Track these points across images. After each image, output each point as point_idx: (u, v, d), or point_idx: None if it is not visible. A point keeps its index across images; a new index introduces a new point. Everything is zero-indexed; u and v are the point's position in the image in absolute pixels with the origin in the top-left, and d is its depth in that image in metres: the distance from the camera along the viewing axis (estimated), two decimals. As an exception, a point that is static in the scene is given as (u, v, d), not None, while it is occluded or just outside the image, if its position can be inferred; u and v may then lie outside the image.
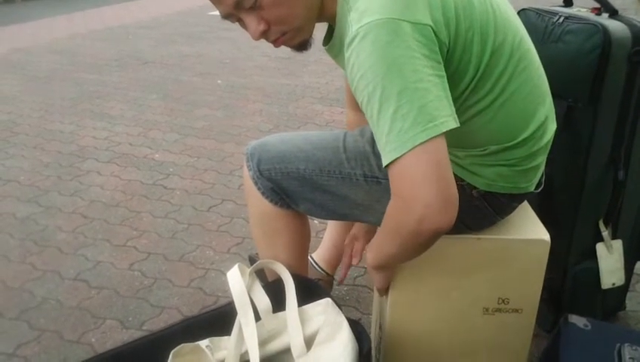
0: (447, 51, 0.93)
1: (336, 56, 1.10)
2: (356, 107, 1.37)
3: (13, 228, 2.16)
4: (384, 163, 0.89)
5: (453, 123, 0.88)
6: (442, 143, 0.88)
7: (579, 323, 1.07)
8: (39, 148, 2.93)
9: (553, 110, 1.15)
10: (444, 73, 0.91)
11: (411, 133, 0.85)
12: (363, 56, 0.88)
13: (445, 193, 0.88)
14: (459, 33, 0.94)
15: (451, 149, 1.07)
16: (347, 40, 0.91)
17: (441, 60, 0.91)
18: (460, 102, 0.99)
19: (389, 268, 1.15)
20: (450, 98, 0.90)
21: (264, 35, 1.00)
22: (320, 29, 1.09)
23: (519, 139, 1.05)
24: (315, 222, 2.11)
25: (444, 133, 0.87)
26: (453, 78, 0.96)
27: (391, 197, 0.93)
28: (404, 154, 0.86)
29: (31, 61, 4.76)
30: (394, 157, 0.87)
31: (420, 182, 0.87)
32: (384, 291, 1.23)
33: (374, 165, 1.14)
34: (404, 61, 0.86)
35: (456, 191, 0.89)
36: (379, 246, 1.06)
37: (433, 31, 0.90)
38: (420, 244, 0.94)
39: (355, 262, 1.36)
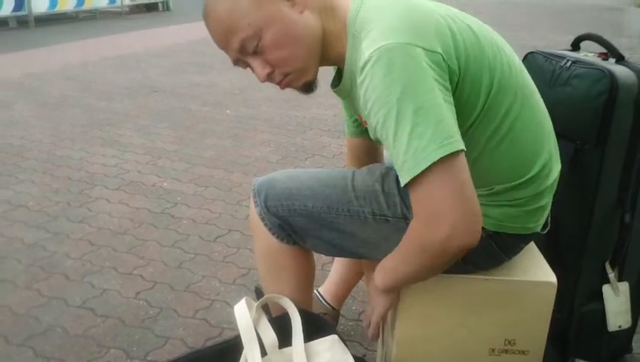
0: (458, 80, 0.97)
1: (346, 97, 1.12)
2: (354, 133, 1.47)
3: (21, 254, 2.17)
4: (402, 182, 0.92)
5: (463, 144, 0.91)
6: (462, 159, 0.91)
7: (585, 367, 1.06)
8: (49, 173, 2.96)
9: (557, 150, 1.17)
10: (452, 100, 0.94)
11: (428, 151, 0.88)
12: (377, 78, 0.91)
13: (470, 211, 0.91)
14: (468, 65, 0.98)
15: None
16: (360, 64, 0.94)
17: (449, 87, 0.94)
18: (468, 135, 1.01)
19: (398, 290, 1.16)
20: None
21: (269, 77, 1.06)
22: (328, 71, 1.13)
23: (525, 178, 1.07)
24: (321, 255, 2.11)
25: (462, 150, 0.90)
26: (465, 108, 0.99)
27: (413, 216, 0.96)
28: (422, 172, 0.88)
29: (43, 86, 4.83)
30: (412, 176, 0.89)
31: (443, 201, 0.90)
32: (377, 333, 1.23)
33: (383, 203, 1.16)
34: (418, 81, 0.89)
35: (479, 207, 0.92)
36: (393, 268, 1.08)
37: (443, 58, 0.94)
38: (444, 263, 0.98)
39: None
